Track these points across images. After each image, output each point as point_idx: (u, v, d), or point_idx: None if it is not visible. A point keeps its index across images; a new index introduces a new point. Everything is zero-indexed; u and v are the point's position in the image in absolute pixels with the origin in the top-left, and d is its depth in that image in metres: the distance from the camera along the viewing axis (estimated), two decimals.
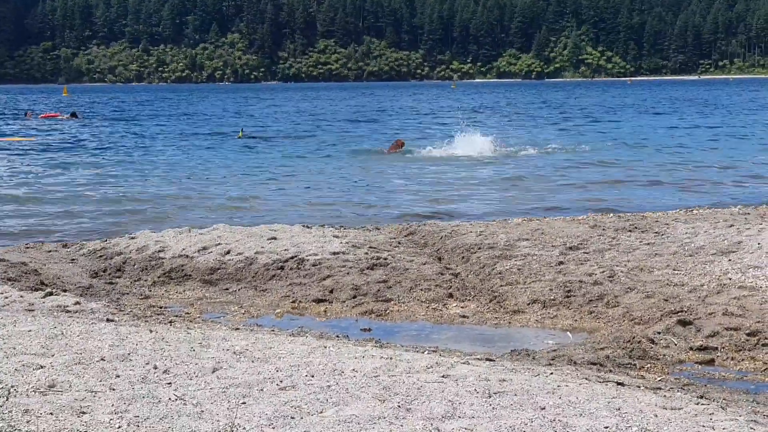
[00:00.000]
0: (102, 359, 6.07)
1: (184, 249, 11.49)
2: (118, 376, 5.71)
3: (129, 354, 6.22)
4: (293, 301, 9.76)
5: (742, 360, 7.49)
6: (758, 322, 7.97)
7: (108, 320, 7.68)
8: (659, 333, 8.00)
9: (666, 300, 8.68)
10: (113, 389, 5.43)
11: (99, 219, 17.02)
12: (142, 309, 8.99)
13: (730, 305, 8.38)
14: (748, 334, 7.76)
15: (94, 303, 8.74)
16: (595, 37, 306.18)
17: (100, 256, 11.74)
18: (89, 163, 28.09)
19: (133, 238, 12.42)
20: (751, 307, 8.35)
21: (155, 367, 5.91)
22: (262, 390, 5.46)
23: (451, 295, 9.75)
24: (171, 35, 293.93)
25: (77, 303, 8.53)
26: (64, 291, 9.43)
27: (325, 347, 6.61)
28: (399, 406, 5.14)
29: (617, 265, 10.10)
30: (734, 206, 16.13)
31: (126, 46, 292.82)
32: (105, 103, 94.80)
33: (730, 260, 9.98)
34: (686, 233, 11.77)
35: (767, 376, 7.15)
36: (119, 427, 4.79)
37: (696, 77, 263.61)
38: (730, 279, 9.31)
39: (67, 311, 8.13)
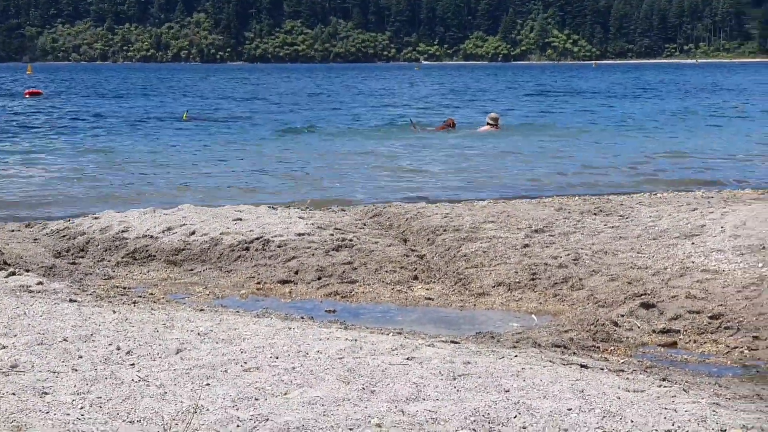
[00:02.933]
0: (65, 340, 6.04)
1: (148, 229, 11.44)
2: (81, 357, 5.68)
3: (92, 335, 6.19)
4: (258, 282, 9.74)
5: (705, 343, 7.54)
6: (720, 305, 8.01)
7: (71, 300, 7.64)
8: (623, 316, 8.04)
9: (630, 283, 8.71)
10: (76, 370, 5.40)
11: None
12: (105, 289, 8.94)
13: (693, 288, 8.43)
14: (710, 317, 7.81)
15: (57, 283, 8.69)
16: (561, 21, 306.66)
17: (64, 236, 11.66)
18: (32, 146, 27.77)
19: (96, 218, 12.34)
20: (714, 290, 8.40)
21: (118, 348, 5.89)
22: (226, 371, 5.45)
23: (416, 277, 9.76)
24: (136, 14, 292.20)
25: (40, 283, 8.47)
26: (27, 271, 9.36)
27: (290, 329, 6.60)
28: (363, 388, 5.14)
29: (582, 248, 10.13)
30: (698, 190, 16.21)
31: (91, 25, 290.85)
32: (67, 81, 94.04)
33: (693, 244, 10.03)
34: (650, 217, 11.81)
35: (729, 359, 7.19)
36: (82, 407, 4.77)
37: (661, 60, 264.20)
38: (693, 262, 9.35)
39: (30, 291, 8.08)
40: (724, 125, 34.05)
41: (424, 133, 30.25)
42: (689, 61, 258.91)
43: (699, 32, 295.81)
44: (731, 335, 7.57)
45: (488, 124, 30.06)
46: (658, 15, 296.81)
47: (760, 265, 9.03)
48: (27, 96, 58.73)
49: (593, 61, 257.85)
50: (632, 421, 4.70)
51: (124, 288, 9.33)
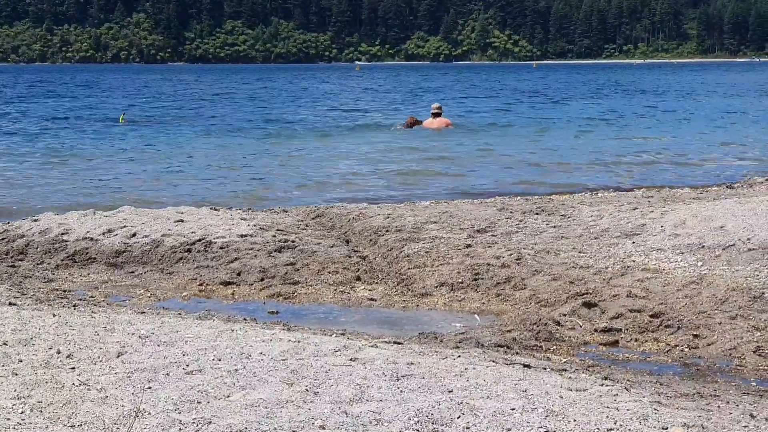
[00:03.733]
0: (4, 344, 5.98)
1: (88, 231, 11.35)
2: (21, 361, 5.62)
3: (32, 338, 6.13)
4: (200, 284, 9.69)
5: (646, 341, 7.59)
6: (661, 303, 8.07)
7: (10, 304, 7.56)
8: (565, 315, 8.08)
9: (571, 282, 8.76)
10: (16, 374, 5.34)
11: None
12: (45, 292, 8.86)
13: (634, 287, 8.49)
14: (651, 316, 7.86)
15: None
16: (502, 21, 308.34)
17: (2, 239, 11.54)
18: None
19: (35, 220, 12.22)
20: (655, 289, 8.46)
21: (59, 352, 5.83)
22: (168, 374, 5.41)
23: (359, 278, 9.75)
24: (75, 15, 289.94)
25: None
26: None
27: (233, 330, 6.57)
28: (307, 390, 5.13)
29: (524, 248, 10.17)
30: (638, 189, 16.34)
31: (30, 26, 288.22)
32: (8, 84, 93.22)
33: (633, 243, 10.11)
34: (591, 216, 11.89)
35: (670, 357, 7.25)
36: (22, 412, 4.72)
37: (601, 61, 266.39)
38: (634, 261, 9.43)
39: None
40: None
41: (382, 133, 30.41)
42: (629, 61, 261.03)
43: (638, 33, 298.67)
44: (672, 333, 7.63)
45: (433, 114, 30.28)
46: (598, 16, 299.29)
47: (700, 263, 9.12)
48: None
49: (534, 62, 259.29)
50: (575, 420, 4.72)
51: (65, 291, 9.24)
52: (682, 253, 9.49)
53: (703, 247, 9.55)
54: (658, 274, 8.94)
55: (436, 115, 30.13)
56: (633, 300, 8.19)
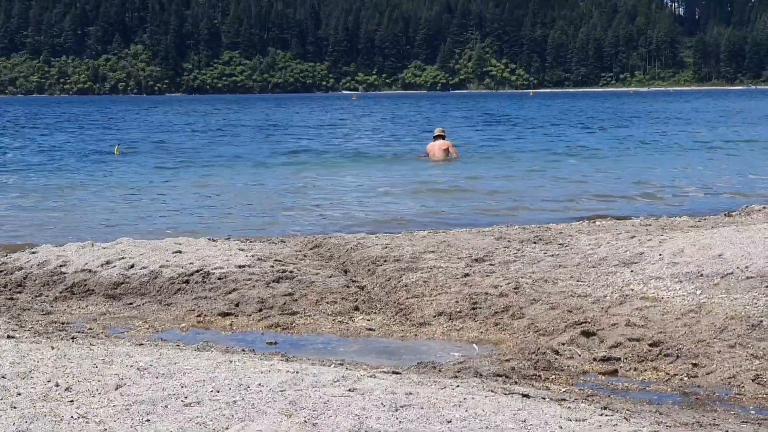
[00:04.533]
0: (3, 377, 5.97)
1: (86, 263, 11.34)
2: (20, 394, 5.61)
3: (30, 371, 6.12)
4: (198, 315, 9.69)
5: (645, 370, 7.58)
6: (660, 332, 8.07)
7: (8, 337, 7.55)
8: (563, 344, 8.07)
9: (570, 311, 8.75)
10: (14, 407, 5.33)
11: None
12: (43, 325, 8.85)
13: (633, 316, 8.48)
14: (650, 345, 7.86)
15: None
16: (499, 50, 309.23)
17: (0, 271, 11.54)
18: None
19: (34, 252, 12.22)
20: (653, 317, 8.46)
21: (57, 385, 5.82)
22: (166, 407, 5.40)
23: (357, 308, 9.75)
24: (73, 46, 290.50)
25: None
26: None
27: (231, 361, 6.56)
28: (305, 421, 5.12)
29: (522, 277, 10.17)
30: (636, 217, 16.35)
31: (27, 58, 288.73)
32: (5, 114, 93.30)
33: (632, 271, 10.11)
34: (589, 244, 11.89)
35: (669, 386, 7.24)
36: None
37: (598, 89, 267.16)
38: (633, 290, 9.43)
39: None
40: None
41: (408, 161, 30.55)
42: (625, 89, 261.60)
43: (634, 61, 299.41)
44: (671, 362, 7.62)
45: (435, 137, 30.36)
46: (594, 44, 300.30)
47: (698, 292, 9.12)
48: None
49: (531, 90, 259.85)
50: None
51: (63, 323, 9.23)
52: (681, 282, 9.49)
53: (701, 275, 9.56)
54: (657, 302, 8.94)
55: (438, 137, 30.20)
56: (632, 329, 8.19)
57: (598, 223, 15.28)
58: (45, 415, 5.19)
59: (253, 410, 5.32)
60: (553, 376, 7.38)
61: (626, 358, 7.76)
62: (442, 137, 30.19)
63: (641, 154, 34.48)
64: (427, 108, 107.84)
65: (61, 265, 11.40)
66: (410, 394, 5.71)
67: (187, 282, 10.61)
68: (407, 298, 9.78)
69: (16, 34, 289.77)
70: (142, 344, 7.80)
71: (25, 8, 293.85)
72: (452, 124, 58.47)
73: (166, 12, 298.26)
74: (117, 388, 5.79)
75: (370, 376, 6.29)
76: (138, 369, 6.27)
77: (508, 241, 12.56)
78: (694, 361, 7.55)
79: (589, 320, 8.46)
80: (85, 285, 10.77)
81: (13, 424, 5.03)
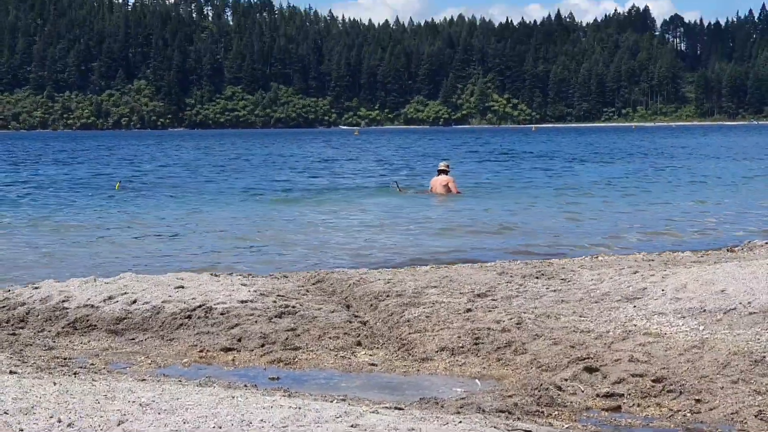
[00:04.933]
0: (5, 413, 5.96)
1: (89, 299, 11.34)
2: (22, 430, 5.60)
3: (32, 407, 6.11)
4: (201, 350, 9.67)
5: (648, 406, 7.56)
6: (663, 368, 8.06)
7: (11, 372, 7.55)
8: (566, 380, 8.06)
9: (573, 347, 8.74)
10: None
11: None
12: (45, 360, 8.84)
13: (636, 352, 8.47)
14: (653, 381, 7.84)
15: None
16: (501, 85, 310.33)
17: (3, 307, 11.52)
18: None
19: (36, 287, 12.21)
20: (656, 353, 8.45)
21: (59, 421, 5.81)
22: None
23: (359, 343, 9.74)
24: (76, 82, 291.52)
25: None
26: None
27: (233, 397, 6.55)
28: None
29: (525, 312, 10.17)
30: (638, 253, 16.35)
31: (30, 93, 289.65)
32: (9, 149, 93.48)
33: (635, 307, 10.10)
34: (592, 280, 11.89)
35: (672, 422, 7.22)
36: None
37: (600, 124, 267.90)
38: (635, 325, 9.42)
39: None
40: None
41: (411, 196, 30.54)
42: (627, 124, 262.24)
43: (636, 96, 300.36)
44: (674, 398, 7.61)
45: (439, 171, 30.38)
46: (596, 79, 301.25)
47: (701, 327, 9.12)
48: None
49: (533, 125, 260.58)
50: None
51: (65, 359, 9.22)
52: (684, 317, 9.49)
53: (704, 311, 9.55)
54: (660, 338, 8.94)
55: (442, 172, 30.23)
56: (635, 364, 8.18)
57: (600, 258, 15.27)
58: None
59: None
60: (556, 412, 7.37)
61: (629, 394, 7.74)
62: (445, 172, 30.20)
63: (648, 188, 34.49)
64: (431, 142, 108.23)
65: (63, 301, 11.39)
66: (413, 430, 5.70)
67: (189, 317, 10.60)
68: (410, 333, 9.77)
69: (19, 70, 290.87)
70: (144, 380, 7.79)
71: (28, 44, 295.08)
72: (459, 158, 58.66)
73: (169, 47, 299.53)
74: (119, 424, 5.78)
75: (373, 412, 6.28)
76: (140, 405, 6.26)
77: (511, 276, 12.56)
78: (697, 397, 7.53)
79: (592, 356, 8.45)
80: (88, 320, 10.77)
81: None
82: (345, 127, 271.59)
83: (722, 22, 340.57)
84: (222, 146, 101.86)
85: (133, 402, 6.35)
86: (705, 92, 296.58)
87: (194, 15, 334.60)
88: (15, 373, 7.55)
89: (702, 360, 8.19)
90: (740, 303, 9.52)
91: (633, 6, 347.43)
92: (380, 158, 66.07)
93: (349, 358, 9.29)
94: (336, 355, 9.37)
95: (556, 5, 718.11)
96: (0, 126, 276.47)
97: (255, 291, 11.63)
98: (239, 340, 9.84)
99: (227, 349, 9.66)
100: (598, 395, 7.76)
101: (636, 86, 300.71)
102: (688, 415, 7.33)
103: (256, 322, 10.30)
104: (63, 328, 10.64)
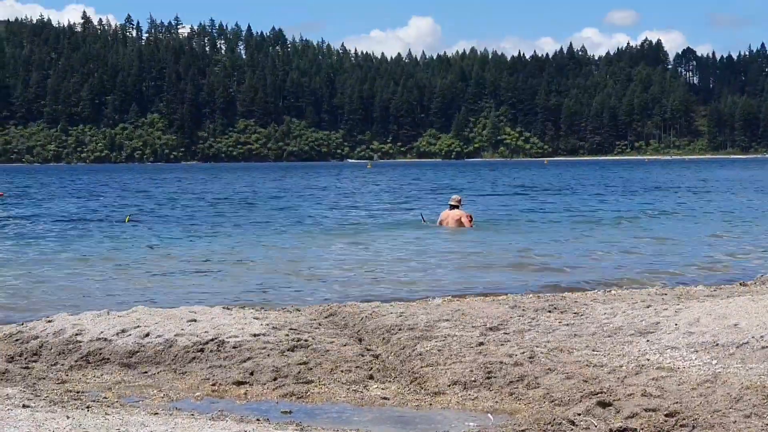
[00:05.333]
0: None
1: (102, 332, 11.35)
2: None
3: None
4: (213, 384, 9.67)
5: None
6: (676, 402, 8.04)
7: (24, 406, 7.56)
8: (579, 414, 8.04)
9: (585, 381, 8.73)
10: None
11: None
12: (59, 394, 8.85)
13: (649, 386, 8.46)
14: (666, 415, 7.82)
15: (10, 388, 8.60)
16: (513, 118, 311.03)
17: (16, 340, 11.55)
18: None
19: (50, 321, 12.24)
20: (669, 387, 8.43)
21: None
22: None
23: (371, 377, 9.73)
24: (90, 115, 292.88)
25: None
26: None
27: (246, 431, 6.55)
28: None
29: (537, 346, 10.16)
30: (651, 286, 16.32)
31: (44, 127, 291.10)
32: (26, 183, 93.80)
33: (648, 341, 10.09)
34: (605, 314, 11.88)
35: None
36: None
37: (613, 158, 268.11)
38: (649, 360, 9.41)
39: None
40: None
41: (428, 227, 30.50)
42: (640, 157, 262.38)
43: (649, 129, 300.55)
44: None
45: (451, 206, 30.28)
46: (609, 112, 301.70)
47: (714, 362, 9.10)
48: None
49: (545, 159, 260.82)
50: None
51: (78, 392, 9.23)
52: (697, 352, 9.48)
53: (717, 345, 9.54)
54: (673, 372, 8.92)
55: (453, 207, 30.14)
56: (648, 399, 8.16)
57: (613, 292, 15.26)
58: None
59: None
60: None
61: (642, 429, 7.72)
62: (457, 207, 30.13)
63: (666, 222, 34.47)
64: (446, 175, 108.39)
65: (76, 334, 11.41)
66: None
67: (201, 351, 10.61)
68: (422, 367, 9.77)
69: (33, 104, 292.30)
70: (156, 413, 7.80)
71: (43, 77, 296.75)
72: (474, 192, 58.74)
73: (182, 81, 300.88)
74: None
75: None
76: None
77: (523, 309, 12.56)
78: None
79: (605, 390, 8.44)
80: (101, 354, 10.78)
81: None
82: (352, 161, 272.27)
83: (734, 56, 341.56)
84: (236, 179, 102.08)
85: None
86: (718, 126, 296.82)
87: (207, 49, 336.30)
88: (28, 406, 7.57)
89: (715, 394, 8.17)
90: (753, 337, 9.51)
91: (645, 39, 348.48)
92: (396, 191, 66.16)
93: (362, 392, 9.29)
94: (348, 389, 9.37)
95: (568, 39, 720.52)
96: (14, 159, 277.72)
97: (267, 324, 11.64)
98: (252, 374, 9.84)
99: (240, 383, 9.66)
100: (611, 430, 7.73)
101: (649, 119, 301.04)
102: None
103: (268, 355, 10.30)
104: (76, 361, 10.65)
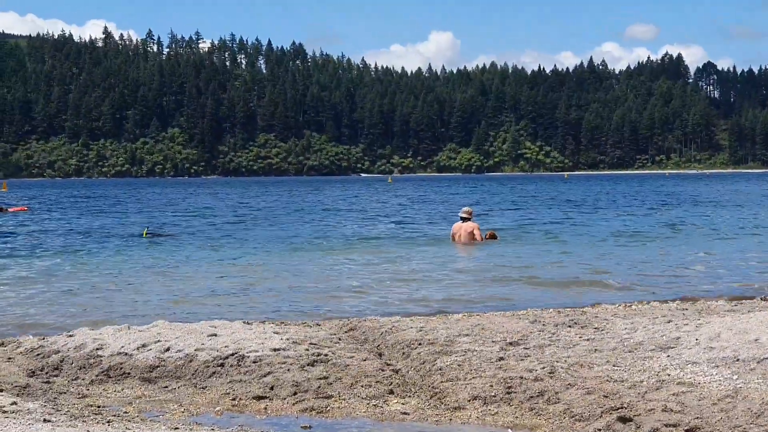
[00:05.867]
0: None
1: (123, 346, 11.38)
2: None
3: None
4: (233, 399, 9.69)
5: None
6: (697, 418, 8.02)
7: (45, 420, 7.59)
8: (600, 429, 8.03)
9: (606, 396, 8.71)
10: None
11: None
12: (79, 408, 8.87)
13: (669, 401, 8.44)
14: (687, 430, 7.80)
15: (31, 403, 8.62)
16: (533, 132, 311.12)
17: (38, 355, 11.59)
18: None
19: (71, 335, 12.27)
20: (690, 403, 8.41)
21: None
22: None
23: (391, 392, 9.73)
24: (111, 130, 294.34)
25: (14, 403, 8.41)
26: (0, 391, 9.30)
27: None
28: None
29: (557, 361, 10.14)
30: (672, 302, 16.28)
31: (65, 141, 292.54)
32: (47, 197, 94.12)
33: (668, 356, 10.06)
34: (625, 329, 11.85)
35: None
36: None
37: (633, 172, 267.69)
38: (669, 375, 9.38)
39: (4, 412, 8.02)
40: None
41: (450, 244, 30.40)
42: (661, 171, 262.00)
43: (670, 143, 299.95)
44: None
45: (462, 218, 30.14)
46: (629, 127, 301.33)
47: (735, 377, 9.07)
48: (11, 212, 58.59)
49: (565, 173, 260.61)
50: None
51: (99, 407, 9.24)
52: (717, 367, 9.44)
53: (738, 360, 9.51)
54: (694, 387, 8.89)
55: (464, 219, 30.02)
56: (668, 414, 8.14)
57: (634, 306, 15.21)
58: None
59: None
60: None
61: None
62: (469, 219, 30.02)
63: (688, 237, 34.36)
64: (465, 189, 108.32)
65: (97, 348, 11.44)
66: None
67: (222, 365, 10.62)
68: (442, 382, 9.76)
69: (55, 118, 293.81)
70: (177, 428, 7.82)
71: (64, 92, 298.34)
72: (497, 205, 58.65)
73: (202, 96, 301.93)
74: None
75: None
76: None
77: (543, 324, 12.54)
78: None
79: (626, 405, 8.42)
80: (121, 368, 10.80)
81: None
82: (364, 175, 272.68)
83: (755, 70, 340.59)
84: (256, 193, 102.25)
85: None
86: (739, 140, 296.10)
87: (227, 63, 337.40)
88: (49, 421, 7.59)
89: (736, 410, 8.14)
90: None
91: (666, 53, 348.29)
92: (419, 205, 66.16)
93: (382, 407, 9.28)
94: (368, 404, 9.37)
95: (588, 53, 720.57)
96: (36, 174, 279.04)
97: (287, 339, 11.65)
98: (271, 389, 9.85)
99: (259, 398, 9.67)
100: None
101: (669, 134, 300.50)
102: None
103: (288, 370, 10.31)
104: (97, 376, 10.68)
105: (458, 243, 29.63)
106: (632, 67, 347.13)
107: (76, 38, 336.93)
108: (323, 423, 8.87)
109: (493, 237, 30.58)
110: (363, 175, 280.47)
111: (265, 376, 10.21)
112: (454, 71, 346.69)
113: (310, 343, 11.52)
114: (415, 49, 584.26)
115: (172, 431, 7.45)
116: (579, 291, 19.42)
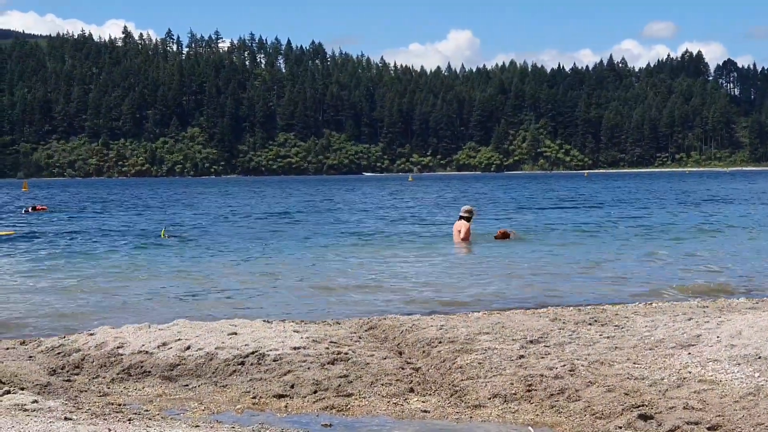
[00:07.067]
0: None
1: (143, 345, 11.40)
2: None
3: None
4: (254, 397, 9.69)
5: None
6: (718, 416, 7.99)
7: (66, 419, 7.60)
8: (620, 427, 8.01)
9: (627, 394, 8.69)
10: None
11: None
12: (100, 406, 8.89)
13: (691, 399, 8.41)
14: (708, 429, 7.78)
15: (52, 401, 8.65)
16: (553, 131, 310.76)
17: (59, 353, 11.62)
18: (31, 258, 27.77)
19: (91, 334, 12.30)
20: (711, 401, 8.38)
21: None
22: None
23: (412, 390, 9.72)
24: (131, 129, 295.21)
25: (35, 401, 8.43)
26: (22, 389, 9.33)
27: None
28: None
29: (578, 359, 10.11)
30: (693, 299, 16.23)
31: (86, 141, 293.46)
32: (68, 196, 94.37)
33: (689, 354, 10.03)
34: (646, 326, 11.82)
35: None
36: None
37: (654, 170, 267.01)
38: (690, 372, 9.35)
39: (25, 410, 8.04)
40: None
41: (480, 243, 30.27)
42: (681, 169, 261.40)
43: (690, 141, 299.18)
44: None
45: (461, 217, 29.93)
46: (649, 125, 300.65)
47: (757, 375, 9.03)
48: (31, 211, 58.74)
49: (585, 171, 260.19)
50: None
51: (120, 405, 9.26)
52: (739, 364, 9.40)
53: (759, 357, 9.47)
54: (715, 385, 8.86)
55: (463, 217, 29.79)
56: (690, 412, 8.11)
57: (654, 304, 15.17)
58: None
59: None
60: None
61: None
62: (468, 218, 29.75)
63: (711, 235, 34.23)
64: (487, 188, 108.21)
65: (118, 347, 11.46)
66: None
67: (242, 364, 10.63)
68: (462, 380, 9.75)
69: (75, 118, 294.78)
70: (198, 426, 7.82)
71: (84, 92, 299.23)
72: (538, 204, 58.53)
73: (222, 95, 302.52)
74: None
75: None
76: None
77: (563, 322, 12.51)
78: None
79: (647, 403, 8.39)
80: (142, 366, 10.82)
81: None
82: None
83: None
84: (276, 192, 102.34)
85: None
86: (759, 137, 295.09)
87: (247, 63, 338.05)
88: (70, 419, 7.60)
89: (757, 407, 8.11)
90: None
91: (686, 51, 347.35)
92: (439, 204, 66.13)
93: (402, 405, 9.28)
94: (388, 402, 9.36)
95: (607, 51, 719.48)
96: (56, 173, 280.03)
97: (307, 337, 11.65)
98: (292, 387, 9.85)
99: (280, 396, 9.67)
100: None
101: (690, 131, 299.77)
102: None
103: (308, 368, 10.31)
104: (117, 374, 10.70)
105: (456, 242, 29.62)
106: (652, 65, 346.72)
107: (95, 38, 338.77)
108: (344, 421, 8.86)
109: (505, 236, 30.44)
110: (366, 173, 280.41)
111: (285, 374, 10.21)
112: (474, 70, 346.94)
113: (330, 342, 11.52)
114: (434, 47, 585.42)
115: (193, 429, 7.46)
116: (606, 288, 19.32)
